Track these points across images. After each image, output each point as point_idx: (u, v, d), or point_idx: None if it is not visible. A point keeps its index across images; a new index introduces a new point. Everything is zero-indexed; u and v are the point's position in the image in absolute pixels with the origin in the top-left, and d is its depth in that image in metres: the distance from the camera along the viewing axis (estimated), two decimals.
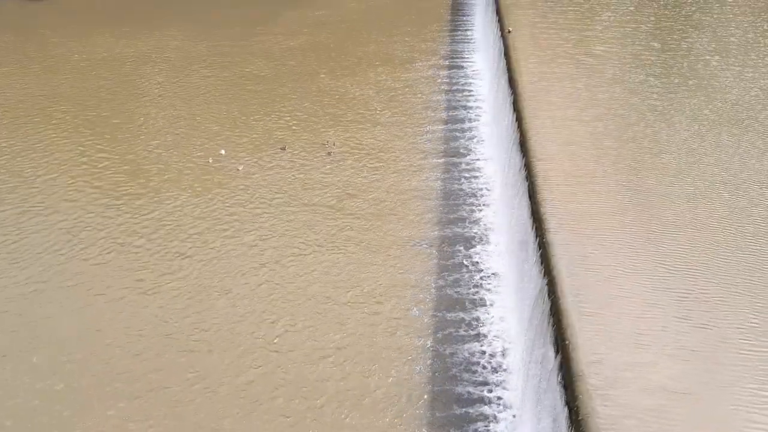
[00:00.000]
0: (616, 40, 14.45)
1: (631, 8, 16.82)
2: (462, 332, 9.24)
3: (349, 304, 9.88)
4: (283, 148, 14.29)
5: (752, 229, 7.60)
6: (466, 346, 9.00)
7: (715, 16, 16.03)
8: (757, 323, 6.18)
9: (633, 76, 12.41)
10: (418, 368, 8.69)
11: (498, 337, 9.08)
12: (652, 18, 16.11)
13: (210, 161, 13.84)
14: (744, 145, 9.60)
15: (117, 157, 14.15)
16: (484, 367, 8.65)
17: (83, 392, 8.45)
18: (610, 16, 16.01)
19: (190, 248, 11.14)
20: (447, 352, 8.96)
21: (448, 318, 9.56)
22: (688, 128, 10.14)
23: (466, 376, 8.55)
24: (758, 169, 8.94)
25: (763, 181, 8.63)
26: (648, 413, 5.20)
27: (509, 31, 14.78)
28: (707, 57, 13.33)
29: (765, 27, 15.21)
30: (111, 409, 8.21)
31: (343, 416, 8.08)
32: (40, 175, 13.38)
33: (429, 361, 8.83)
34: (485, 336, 9.12)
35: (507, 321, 9.26)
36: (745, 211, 8.00)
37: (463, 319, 9.47)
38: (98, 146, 14.56)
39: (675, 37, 14.77)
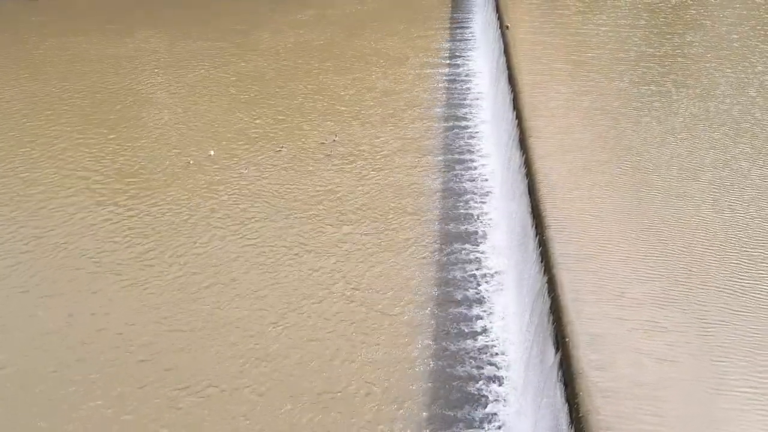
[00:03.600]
0: (614, 41, 14.43)
1: (625, 11, 16.80)
2: None
3: None
4: (280, 150, 14.22)
5: (746, 232, 7.63)
6: None
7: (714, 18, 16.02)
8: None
9: (631, 76, 12.42)
10: None
11: None
12: (644, 21, 16.08)
13: (191, 162, 13.61)
14: (735, 151, 9.57)
15: (105, 155, 14.08)
16: None
17: None
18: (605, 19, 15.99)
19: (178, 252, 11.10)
20: None
21: None
22: (685, 130, 10.13)
23: None
24: (750, 175, 8.92)
25: (756, 187, 8.62)
26: (647, 412, 5.19)
27: (507, 27, 14.80)
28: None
29: (759, 31, 15.18)
30: None
31: None
32: (28, 172, 13.42)
33: None
34: None
35: None
36: (739, 212, 7.99)
37: None
38: (88, 144, 14.54)
39: (675, 41, 14.73)
